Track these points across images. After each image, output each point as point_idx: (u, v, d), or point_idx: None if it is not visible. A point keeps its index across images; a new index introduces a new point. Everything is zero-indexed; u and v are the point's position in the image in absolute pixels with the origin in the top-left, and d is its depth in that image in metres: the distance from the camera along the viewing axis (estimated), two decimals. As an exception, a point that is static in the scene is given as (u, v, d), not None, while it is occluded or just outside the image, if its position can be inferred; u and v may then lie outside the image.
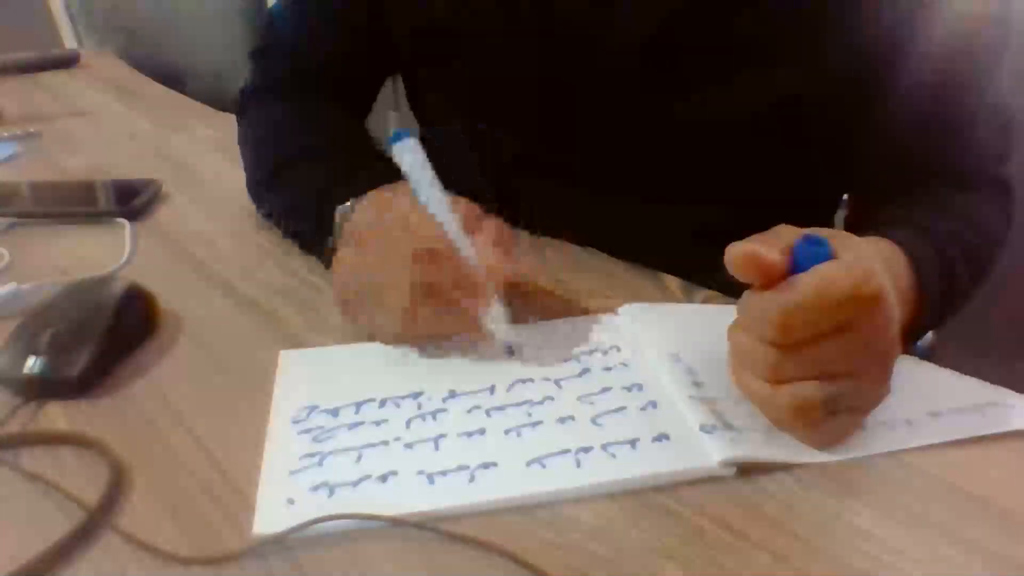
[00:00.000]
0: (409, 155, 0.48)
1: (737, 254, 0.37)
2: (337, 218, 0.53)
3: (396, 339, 0.49)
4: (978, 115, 0.57)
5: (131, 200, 0.71)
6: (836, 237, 0.39)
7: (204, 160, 0.86)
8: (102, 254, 0.63)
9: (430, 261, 0.45)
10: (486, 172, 0.69)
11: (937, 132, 0.57)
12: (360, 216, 0.51)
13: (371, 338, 0.50)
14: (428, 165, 0.48)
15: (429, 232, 0.46)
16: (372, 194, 0.52)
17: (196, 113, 1.05)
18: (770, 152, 0.60)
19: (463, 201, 0.49)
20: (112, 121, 1.02)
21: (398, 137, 0.49)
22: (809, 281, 0.36)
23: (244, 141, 0.70)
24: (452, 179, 0.49)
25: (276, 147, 0.67)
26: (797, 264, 0.37)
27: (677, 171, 0.62)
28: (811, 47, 0.55)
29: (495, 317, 0.46)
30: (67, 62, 1.32)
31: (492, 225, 0.48)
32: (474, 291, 0.45)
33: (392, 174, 0.50)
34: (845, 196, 0.72)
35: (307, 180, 0.61)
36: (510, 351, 0.47)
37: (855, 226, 0.64)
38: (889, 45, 0.54)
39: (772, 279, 0.37)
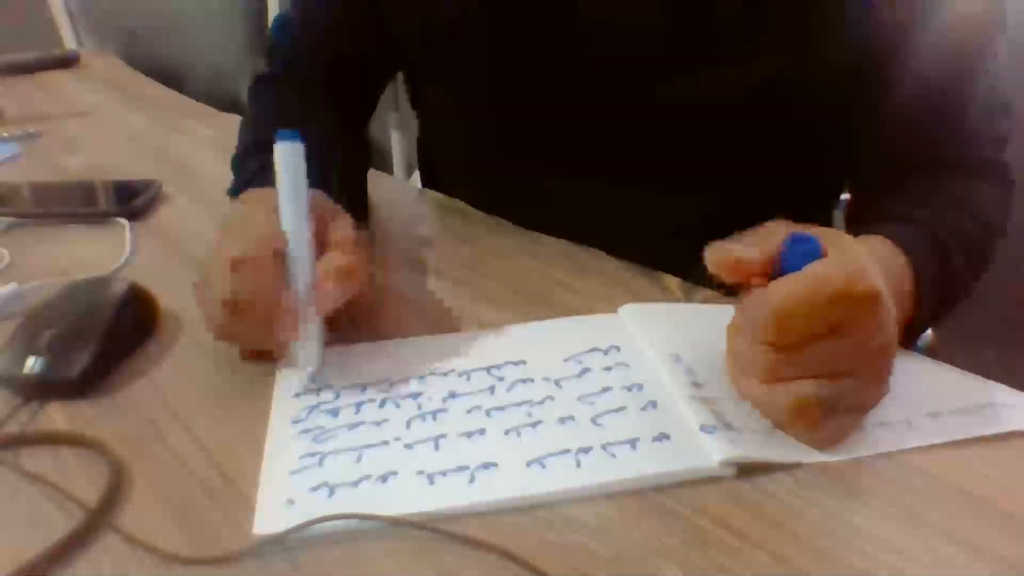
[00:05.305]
0: (285, 158, 0.44)
1: (716, 256, 0.37)
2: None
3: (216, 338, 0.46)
4: (975, 98, 0.56)
5: (131, 200, 0.71)
6: (826, 235, 0.38)
7: (204, 160, 0.86)
8: (102, 254, 0.63)
9: (244, 271, 0.42)
10: (484, 167, 0.69)
11: (933, 116, 0.56)
12: (231, 211, 0.50)
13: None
14: (303, 173, 0.44)
15: (266, 242, 0.43)
16: (249, 191, 0.50)
17: (196, 113, 1.05)
18: (765, 139, 0.59)
19: (341, 220, 0.47)
20: (112, 121, 1.02)
21: (281, 138, 0.44)
22: (801, 280, 0.36)
23: None
24: (448, 174, 0.48)
25: (246, 138, 0.68)
26: (788, 263, 0.37)
27: (671, 160, 0.61)
28: (801, 29, 0.54)
29: (304, 346, 0.44)
30: (67, 62, 1.32)
31: (344, 255, 0.45)
32: (284, 314, 0.43)
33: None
34: (844, 196, 0.72)
35: (244, 171, 0.62)
36: (310, 383, 0.45)
37: (854, 222, 0.64)
38: (883, 28, 0.54)
39: (756, 279, 0.37)
